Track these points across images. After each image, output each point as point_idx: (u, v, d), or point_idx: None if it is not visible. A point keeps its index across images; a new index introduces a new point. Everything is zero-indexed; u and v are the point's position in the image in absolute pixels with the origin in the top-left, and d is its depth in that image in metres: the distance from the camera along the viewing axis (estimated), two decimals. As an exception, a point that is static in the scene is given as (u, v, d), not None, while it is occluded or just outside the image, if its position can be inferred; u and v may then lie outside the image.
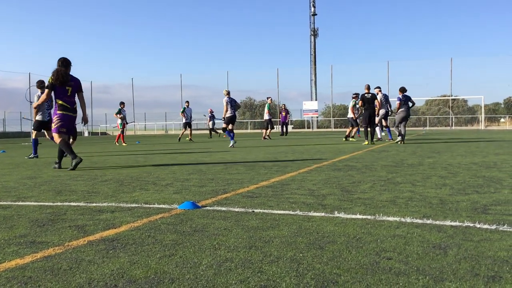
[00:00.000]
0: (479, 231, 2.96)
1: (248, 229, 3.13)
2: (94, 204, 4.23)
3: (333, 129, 55.94)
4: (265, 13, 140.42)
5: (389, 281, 2.08)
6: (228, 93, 14.80)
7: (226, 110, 14.61)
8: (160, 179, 6.09)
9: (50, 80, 7.82)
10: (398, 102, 15.19)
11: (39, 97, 11.02)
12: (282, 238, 2.85)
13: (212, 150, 13.27)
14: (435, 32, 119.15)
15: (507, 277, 2.11)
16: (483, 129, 45.75)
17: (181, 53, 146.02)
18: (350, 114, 19.13)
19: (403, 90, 15.38)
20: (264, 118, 23.26)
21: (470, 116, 58.91)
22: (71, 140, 8.35)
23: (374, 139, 15.53)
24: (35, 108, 10.43)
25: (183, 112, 22.94)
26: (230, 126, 14.88)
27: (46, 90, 7.94)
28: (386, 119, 17.83)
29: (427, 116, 58.29)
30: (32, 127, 11.46)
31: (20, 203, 4.41)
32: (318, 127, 60.20)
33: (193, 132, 25.97)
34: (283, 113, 28.25)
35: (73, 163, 7.69)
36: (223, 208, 3.89)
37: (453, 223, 3.18)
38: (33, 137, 11.38)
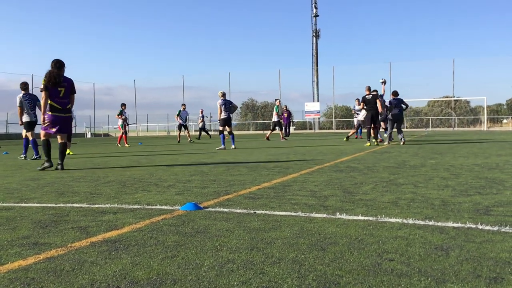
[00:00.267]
0: (481, 232, 2.96)
1: (250, 230, 3.13)
2: (96, 206, 4.24)
3: (335, 130, 55.92)
4: (266, 14, 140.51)
5: (391, 282, 2.08)
6: (223, 95, 14.74)
7: (221, 112, 14.62)
8: (162, 181, 6.09)
9: (43, 82, 7.94)
10: (389, 105, 15.55)
11: (20, 98, 11.19)
12: (284, 240, 2.86)
13: (214, 152, 13.27)
14: (437, 33, 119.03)
15: (509, 278, 2.11)
16: (486, 130, 45.67)
17: (183, 54, 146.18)
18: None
19: (395, 94, 15.86)
20: (273, 119, 23.33)
21: (472, 117, 58.84)
22: (64, 139, 8.32)
23: (377, 140, 15.48)
24: (19, 110, 11.06)
25: (178, 115, 23.05)
26: (227, 128, 14.88)
27: (43, 93, 8.02)
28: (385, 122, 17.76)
29: (430, 117, 58.23)
30: (25, 130, 11.58)
31: (23, 204, 4.42)
32: (320, 128, 60.19)
33: (190, 133, 26.06)
34: (285, 114, 28.30)
35: (43, 166, 8.06)
36: (225, 210, 3.89)
37: (455, 225, 3.18)
38: (30, 137, 11.44)
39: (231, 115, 14.92)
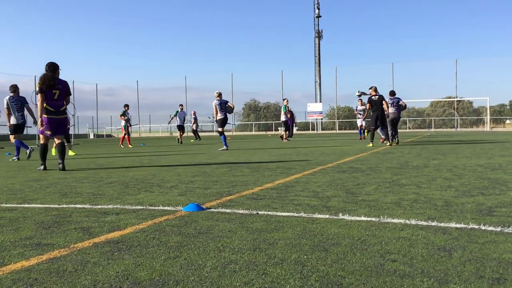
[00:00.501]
0: (484, 233, 2.95)
1: (252, 231, 3.13)
2: (99, 206, 4.25)
3: (338, 131, 55.87)
4: (269, 15, 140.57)
5: (393, 283, 2.07)
6: (219, 95, 14.66)
7: (217, 113, 14.56)
8: (165, 181, 6.10)
9: (38, 85, 8.07)
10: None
11: (7, 101, 11.32)
12: (286, 240, 2.86)
13: (216, 152, 13.28)
14: (439, 34, 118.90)
15: (512, 279, 2.10)
16: (489, 130, 45.58)
17: (185, 55, 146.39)
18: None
19: (392, 93, 16.03)
20: (281, 119, 23.29)
21: (475, 117, 58.75)
22: (62, 138, 8.42)
23: (389, 142, 15.44)
24: (7, 114, 11.31)
25: (175, 115, 23.10)
26: (219, 128, 14.85)
27: (39, 95, 8.13)
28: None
29: (432, 118, 58.16)
30: (9, 132, 11.74)
31: (26, 205, 4.43)
32: (322, 129, 60.19)
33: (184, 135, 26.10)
34: (288, 115, 28.28)
35: (38, 168, 8.30)
36: (228, 210, 3.89)
37: (458, 225, 3.17)
38: (13, 140, 11.62)
39: (228, 115, 14.86)
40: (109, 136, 60.63)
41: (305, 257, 2.49)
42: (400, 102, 15.87)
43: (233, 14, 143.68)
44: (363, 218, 3.46)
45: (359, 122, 22.52)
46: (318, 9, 64.99)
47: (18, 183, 6.30)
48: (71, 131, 31.01)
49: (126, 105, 20.28)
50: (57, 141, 8.35)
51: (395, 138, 15.60)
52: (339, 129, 58.68)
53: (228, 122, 15.42)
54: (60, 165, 8.14)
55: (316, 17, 65.15)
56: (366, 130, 21.85)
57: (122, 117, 20.09)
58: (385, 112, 15.32)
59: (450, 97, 58.91)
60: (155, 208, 4.10)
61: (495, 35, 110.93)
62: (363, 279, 2.13)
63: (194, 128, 27.86)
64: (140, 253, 2.64)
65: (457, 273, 2.19)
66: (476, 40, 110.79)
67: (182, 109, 23.12)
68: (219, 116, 14.52)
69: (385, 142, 15.90)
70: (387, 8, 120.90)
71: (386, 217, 3.48)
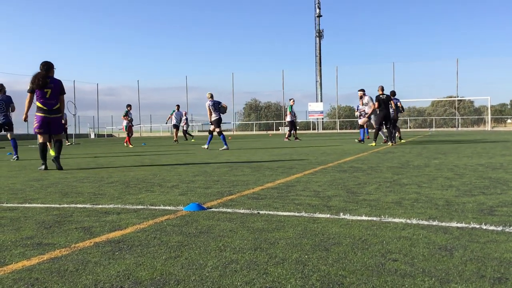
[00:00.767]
0: (485, 232, 2.95)
1: (253, 230, 3.13)
2: (100, 206, 4.25)
3: (339, 131, 55.87)
4: (270, 15, 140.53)
5: (394, 283, 2.07)
6: (211, 96, 14.77)
7: (211, 114, 14.63)
8: (166, 181, 6.10)
9: (30, 84, 8.19)
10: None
11: None
12: (287, 240, 2.86)
13: (217, 152, 13.28)
14: (440, 33, 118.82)
15: (514, 278, 2.10)
16: (490, 130, 45.55)
17: (186, 55, 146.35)
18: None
19: (393, 94, 16.08)
20: (287, 119, 23.34)
21: (476, 117, 58.72)
22: (59, 136, 8.55)
23: (387, 140, 15.45)
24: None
25: (171, 114, 23.13)
26: (211, 128, 14.91)
27: (28, 94, 8.28)
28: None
29: (433, 117, 58.15)
30: None
31: (27, 205, 4.43)
32: (323, 129, 60.17)
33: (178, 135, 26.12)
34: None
35: (40, 168, 8.38)
36: (229, 210, 3.89)
37: (459, 225, 3.17)
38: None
39: (221, 115, 14.94)
40: (110, 135, 60.64)
41: (306, 256, 2.49)
42: (398, 104, 15.95)
43: (234, 13, 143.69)
44: (364, 218, 3.46)
45: (360, 121, 22.42)
46: (319, 8, 64.98)
47: (19, 183, 6.30)
48: (71, 131, 31.04)
49: (129, 105, 20.34)
50: (40, 139, 8.48)
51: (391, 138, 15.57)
52: (340, 129, 58.66)
53: (223, 122, 15.48)
54: (54, 158, 8.28)
55: (317, 16, 65.14)
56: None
57: (124, 117, 20.15)
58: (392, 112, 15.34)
59: (451, 97, 58.87)
60: (156, 207, 4.10)
61: (496, 34, 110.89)
62: (364, 278, 2.13)
63: (185, 129, 27.86)
64: (141, 252, 2.64)
65: (458, 272, 2.19)
66: (477, 40, 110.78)
67: (178, 109, 23.16)
68: (214, 116, 14.60)
69: (388, 142, 15.91)
70: (387, 8, 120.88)
71: (387, 217, 3.48)
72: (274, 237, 2.94)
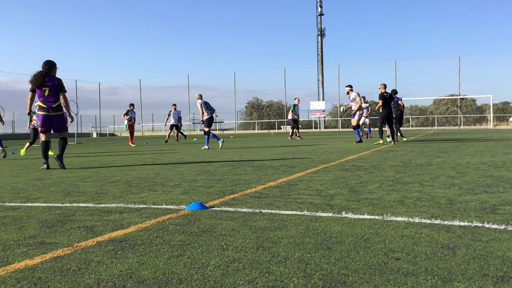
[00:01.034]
0: (488, 231, 2.95)
1: (255, 229, 3.13)
2: (102, 205, 4.25)
3: (341, 129, 55.82)
4: (271, 13, 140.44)
5: (397, 281, 2.07)
6: (201, 97, 15.05)
7: (203, 113, 14.80)
8: (168, 180, 6.10)
9: (30, 84, 8.41)
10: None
11: None
12: (289, 239, 2.86)
13: (219, 152, 13.29)
14: (442, 31, 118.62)
15: (516, 277, 2.10)
16: (492, 128, 45.46)
17: (188, 53, 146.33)
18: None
19: (394, 92, 16.00)
20: (288, 117, 23.45)
21: (478, 115, 58.59)
22: (64, 134, 8.62)
23: (389, 139, 15.43)
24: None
25: (169, 115, 23.11)
26: (206, 128, 15.01)
27: (29, 93, 8.49)
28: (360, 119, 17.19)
29: (435, 116, 58.06)
30: None
31: (30, 204, 4.44)
32: (325, 127, 60.13)
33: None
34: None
35: (42, 167, 8.44)
36: (231, 209, 3.89)
37: (461, 223, 3.17)
38: None
39: (213, 115, 15.20)
40: (112, 135, 60.71)
41: (309, 255, 2.49)
42: (400, 102, 15.94)
43: (236, 12, 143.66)
44: (366, 216, 3.46)
45: (362, 120, 22.38)
46: (321, 7, 64.92)
47: (21, 182, 6.31)
48: (73, 130, 31.03)
49: (131, 104, 20.41)
50: (42, 138, 8.63)
51: (393, 136, 15.55)
52: (342, 127, 58.61)
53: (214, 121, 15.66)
54: (57, 156, 8.36)
55: (319, 15, 65.09)
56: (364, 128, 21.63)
57: (124, 116, 20.21)
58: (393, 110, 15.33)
59: (453, 95, 58.76)
60: (158, 207, 4.10)
61: (498, 32, 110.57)
62: (367, 277, 2.13)
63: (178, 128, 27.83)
64: (144, 251, 2.64)
65: (461, 271, 2.19)
66: (479, 38, 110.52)
67: (175, 108, 23.14)
68: (206, 116, 14.81)
69: (387, 140, 15.89)
70: (389, 6, 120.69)
71: (390, 215, 3.47)
72: (276, 236, 2.94)
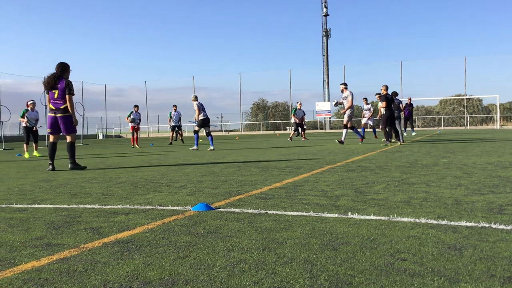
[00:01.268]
0: (495, 231, 2.93)
1: (261, 230, 3.13)
2: (109, 206, 4.26)
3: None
4: (276, 14, 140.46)
5: (403, 282, 2.06)
6: (196, 98, 15.22)
7: (199, 114, 14.93)
8: (174, 181, 6.11)
9: None
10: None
11: None
12: (295, 240, 2.85)
13: (224, 152, 13.30)
14: (448, 31, 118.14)
15: (524, 278, 2.08)
16: (499, 128, 45.23)
17: (194, 55, 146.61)
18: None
19: (395, 94, 15.96)
20: (291, 121, 23.91)
21: (485, 115, 58.32)
22: (68, 138, 8.66)
23: (392, 139, 15.38)
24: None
25: (170, 117, 23.12)
26: (197, 128, 15.13)
27: (46, 95, 8.75)
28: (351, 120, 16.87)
29: (442, 116, 57.84)
30: None
31: (36, 205, 4.46)
32: (331, 128, 60.03)
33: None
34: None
35: (48, 168, 8.53)
36: (237, 210, 3.89)
37: (468, 224, 3.15)
38: None
39: (208, 116, 15.37)
40: (118, 136, 60.87)
41: (315, 256, 2.49)
42: (401, 106, 15.91)
43: (241, 13, 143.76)
44: (372, 217, 3.45)
45: (364, 120, 22.27)
46: (326, 7, 64.84)
47: (28, 184, 6.34)
48: (80, 132, 31.16)
49: (135, 106, 20.46)
50: (50, 139, 8.75)
51: (390, 138, 15.45)
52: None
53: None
54: (70, 165, 8.49)
55: (324, 15, 65.01)
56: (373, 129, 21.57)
57: (127, 118, 20.35)
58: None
59: (459, 95, 58.53)
60: (164, 208, 4.11)
61: (505, 32, 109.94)
62: (373, 278, 2.13)
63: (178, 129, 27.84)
64: (150, 253, 2.64)
65: (468, 272, 2.18)
66: (486, 38, 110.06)
67: (176, 109, 23.10)
68: (201, 116, 15.01)
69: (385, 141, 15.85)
70: (395, 6, 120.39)
71: (396, 216, 3.46)
72: (282, 237, 2.94)
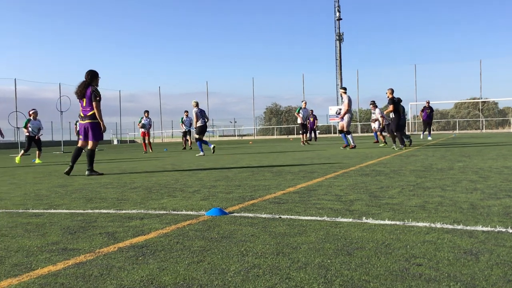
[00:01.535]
0: (512, 236, 2.89)
1: (275, 235, 3.13)
2: (123, 211, 4.29)
3: (360, 134, 55.45)
4: (290, 18, 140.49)
5: (419, 287, 2.05)
6: (197, 104, 15.32)
7: (197, 121, 15.06)
8: (188, 186, 6.14)
9: None
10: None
11: None
12: (309, 244, 2.84)
13: (238, 157, 13.32)
14: (463, 34, 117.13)
15: (542, 283, 2.05)
16: (515, 131, 44.65)
17: (207, 60, 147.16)
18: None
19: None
20: (298, 122, 23.19)
21: (501, 118, 57.67)
22: (90, 144, 8.80)
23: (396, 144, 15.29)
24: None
25: (182, 122, 23.13)
26: (197, 136, 15.20)
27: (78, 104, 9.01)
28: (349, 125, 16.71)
29: (457, 120, 57.34)
30: None
31: (52, 210, 4.50)
32: (344, 132, 59.72)
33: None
34: (311, 119, 28.02)
35: (65, 170, 8.70)
36: (250, 215, 3.90)
37: (484, 228, 3.12)
38: None
39: (207, 123, 15.50)
40: (132, 141, 61.30)
41: (329, 261, 2.48)
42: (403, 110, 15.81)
43: (254, 18, 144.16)
44: (387, 222, 3.43)
45: (375, 125, 22.06)
46: (339, 12, 64.71)
47: (44, 189, 6.41)
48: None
49: (145, 111, 20.58)
50: (78, 144, 8.97)
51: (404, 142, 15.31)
52: (361, 132, 58.22)
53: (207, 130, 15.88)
54: (87, 172, 8.59)
55: (337, 20, 64.89)
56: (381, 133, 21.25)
57: (139, 124, 20.53)
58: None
59: (474, 98, 57.96)
60: (178, 212, 4.12)
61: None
62: (388, 283, 2.11)
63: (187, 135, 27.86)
64: (164, 257, 2.66)
65: (484, 277, 2.15)
66: (501, 40, 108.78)
67: (187, 115, 23.04)
68: (199, 123, 15.12)
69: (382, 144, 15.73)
70: (408, 9, 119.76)
71: (411, 221, 3.44)
72: (296, 241, 2.93)
